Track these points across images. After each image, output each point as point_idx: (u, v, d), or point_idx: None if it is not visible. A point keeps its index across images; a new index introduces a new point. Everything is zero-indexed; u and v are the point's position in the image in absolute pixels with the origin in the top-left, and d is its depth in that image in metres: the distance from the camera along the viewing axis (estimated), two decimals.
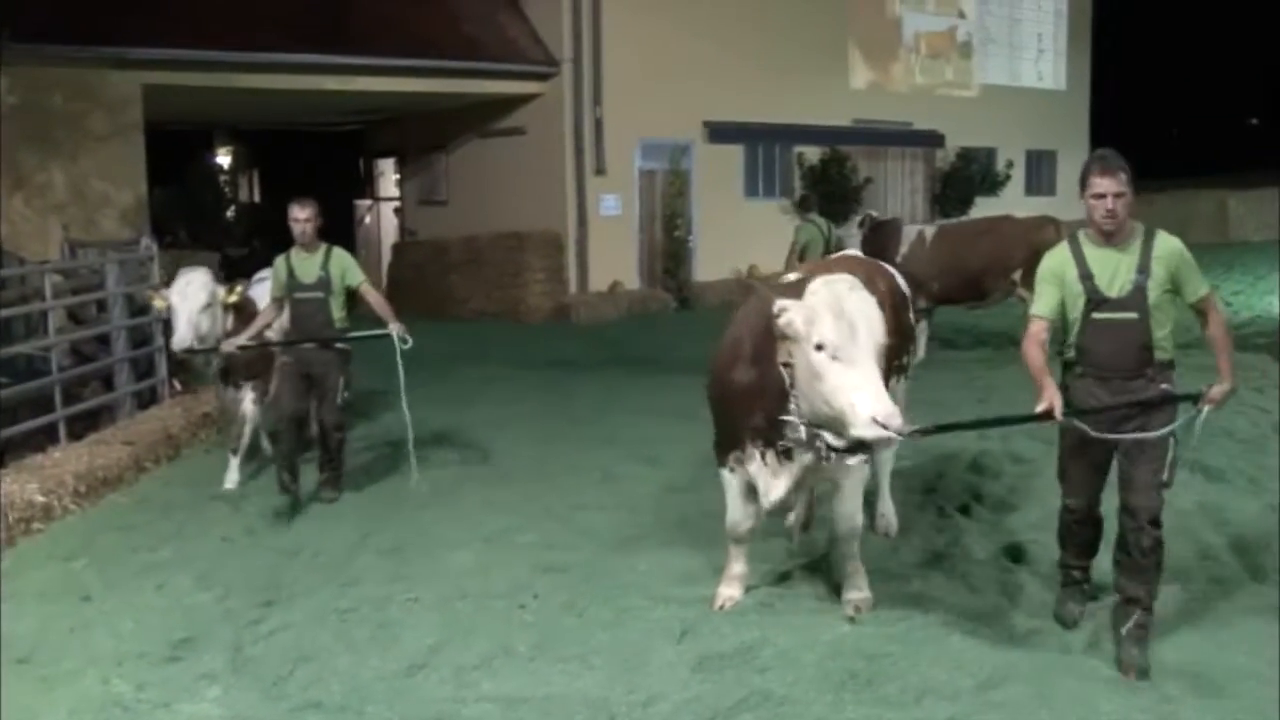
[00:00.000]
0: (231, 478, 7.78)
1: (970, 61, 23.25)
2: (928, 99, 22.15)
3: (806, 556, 5.78)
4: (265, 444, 8.26)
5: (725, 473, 5.13)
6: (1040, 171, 24.43)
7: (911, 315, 5.98)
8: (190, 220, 20.72)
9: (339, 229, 18.39)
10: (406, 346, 7.03)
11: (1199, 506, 6.36)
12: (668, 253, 18.40)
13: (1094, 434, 4.51)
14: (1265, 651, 4.58)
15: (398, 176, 21.41)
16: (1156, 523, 4.55)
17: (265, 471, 7.90)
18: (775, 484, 4.82)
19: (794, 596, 5.37)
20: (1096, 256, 4.54)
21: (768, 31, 19.01)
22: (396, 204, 21.52)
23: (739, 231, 18.28)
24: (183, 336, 7.33)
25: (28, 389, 8.36)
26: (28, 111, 13.09)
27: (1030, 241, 11.22)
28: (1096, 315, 4.53)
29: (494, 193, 18.29)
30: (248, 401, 7.78)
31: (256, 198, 26.03)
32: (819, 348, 4.22)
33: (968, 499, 6.81)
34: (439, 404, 9.90)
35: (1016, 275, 11.61)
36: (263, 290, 7.69)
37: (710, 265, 18.59)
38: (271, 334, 7.51)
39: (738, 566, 5.33)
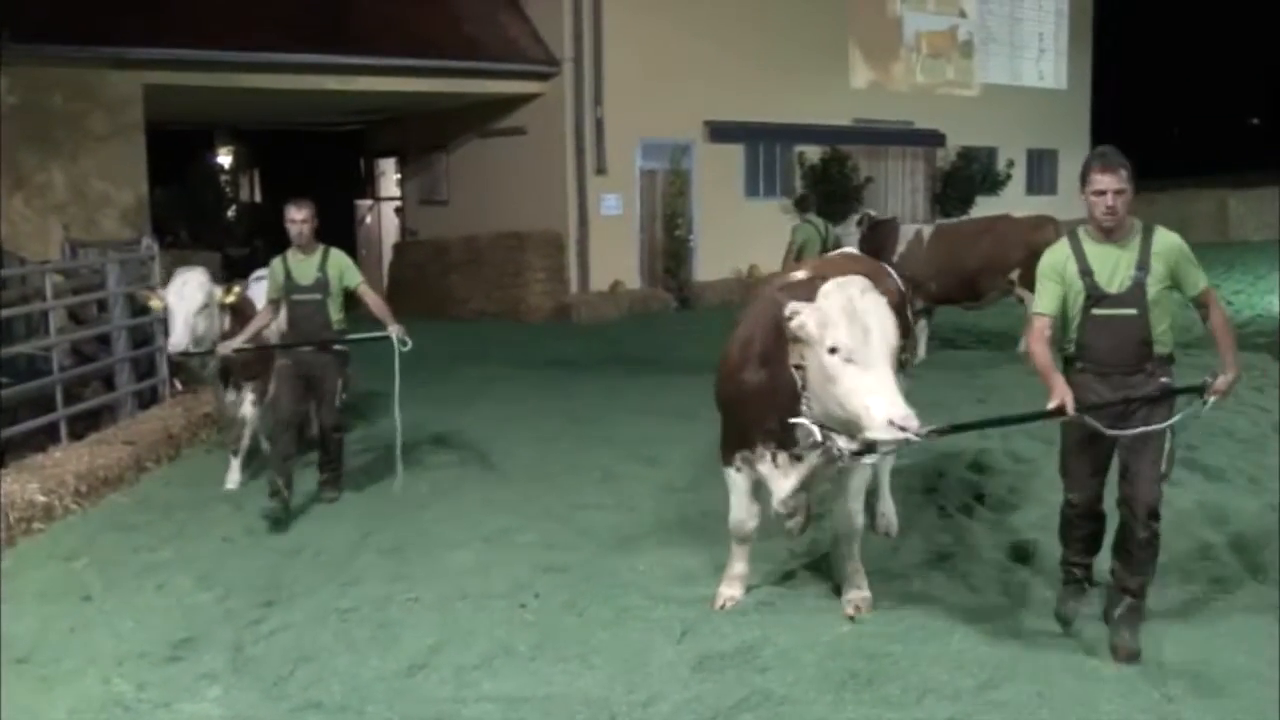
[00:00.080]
0: (233, 478, 7.79)
1: (971, 61, 23.24)
2: (928, 98, 22.15)
3: (807, 556, 5.78)
4: (265, 445, 8.24)
5: (731, 472, 5.12)
6: (1041, 171, 24.42)
7: (910, 314, 5.98)
8: (191, 220, 20.69)
9: (340, 229, 18.46)
10: (406, 349, 6.99)
11: (1199, 505, 6.36)
12: (668, 252, 18.39)
13: (1107, 431, 4.48)
14: (1265, 651, 4.57)
15: (398, 176, 21.42)
16: (1155, 515, 4.58)
17: (266, 472, 7.87)
18: (785, 484, 4.82)
19: (794, 596, 5.37)
20: (1096, 253, 4.55)
21: (768, 31, 19.00)
22: (397, 204, 21.53)
23: (740, 231, 18.27)
24: (179, 339, 7.26)
25: (29, 389, 8.36)
26: (28, 111, 13.11)
27: (1028, 241, 11.20)
28: (1096, 311, 4.54)
29: (495, 192, 18.28)
30: (248, 403, 7.76)
31: (257, 198, 26.00)
32: (833, 351, 4.21)
33: (968, 498, 6.81)
34: (439, 404, 9.91)
35: (1014, 275, 11.61)
36: (260, 290, 7.64)
37: (711, 265, 18.60)
38: (269, 335, 7.48)
39: (739, 566, 5.32)
